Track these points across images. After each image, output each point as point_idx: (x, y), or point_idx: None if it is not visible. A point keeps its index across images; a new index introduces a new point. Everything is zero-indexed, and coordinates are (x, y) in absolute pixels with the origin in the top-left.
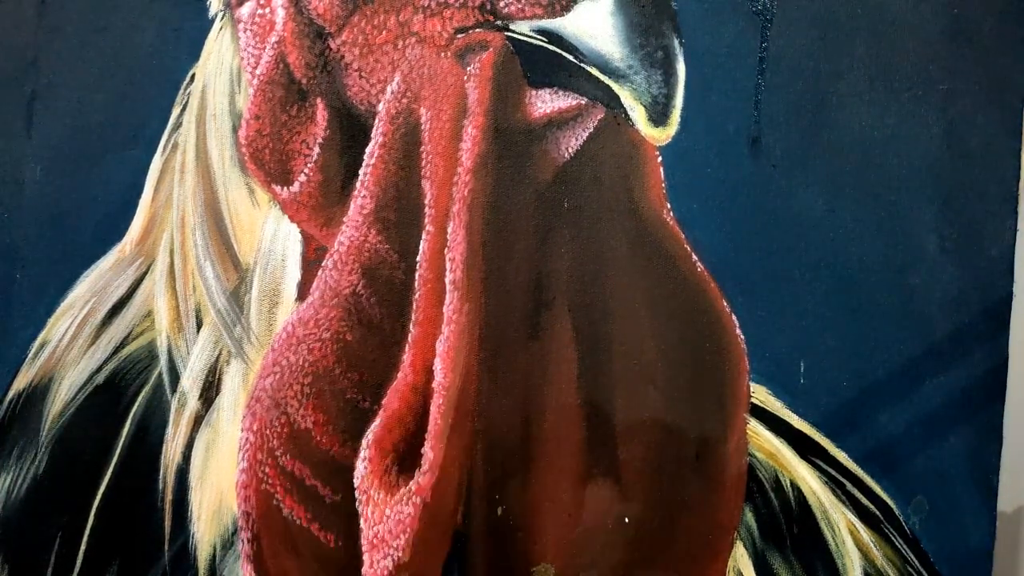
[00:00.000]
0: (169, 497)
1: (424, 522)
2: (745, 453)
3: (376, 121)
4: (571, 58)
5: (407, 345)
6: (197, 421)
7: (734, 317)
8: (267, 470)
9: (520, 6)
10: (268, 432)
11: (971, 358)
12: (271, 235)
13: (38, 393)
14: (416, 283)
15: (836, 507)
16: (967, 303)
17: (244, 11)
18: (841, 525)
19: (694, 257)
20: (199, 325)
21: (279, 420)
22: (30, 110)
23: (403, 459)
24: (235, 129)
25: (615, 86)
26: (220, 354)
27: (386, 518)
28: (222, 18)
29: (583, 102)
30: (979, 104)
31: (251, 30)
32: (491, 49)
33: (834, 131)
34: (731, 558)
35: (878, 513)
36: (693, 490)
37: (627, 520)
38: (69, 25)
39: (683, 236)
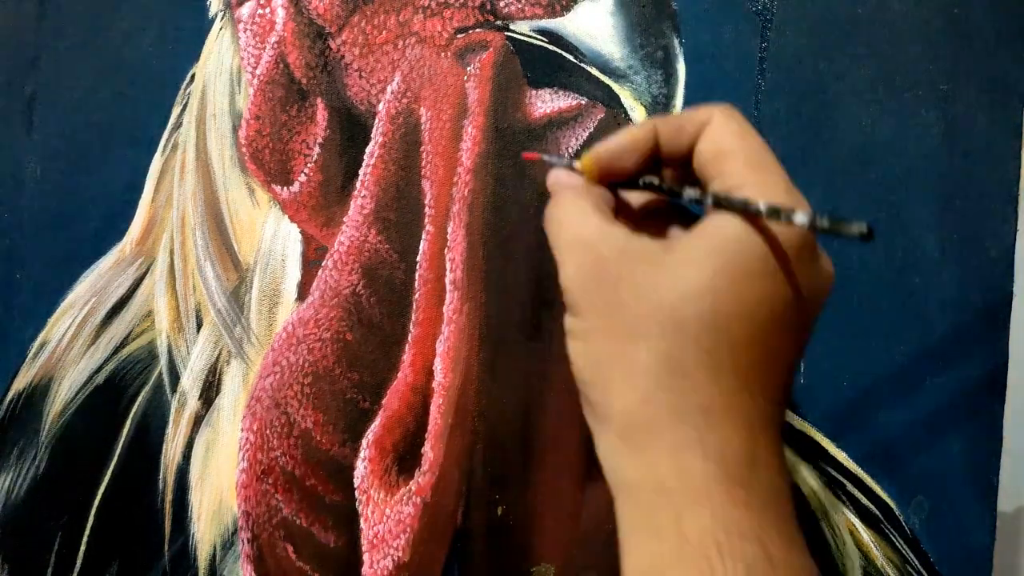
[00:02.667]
0: (169, 497)
1: (424, 522)
2: None
3: (376, 121)
4: (571, 58)
5: (407, 345)
6: (197, 421)
7: None
8: (267, 470)
9: (520, 6)
10: (268, 432)
11: (971, 358)
12: (271, 235)
13: (38, 393)
14: (416, 283)
15: (836, 507)
16: (967, 303)
17: (244, 11)
18: (841, 525)
19: None
20: (199, 325)
21: (279, 420)
22: (30, 110)
23: (403, 459)
24: (235, 129)
25: (615, 86)
26: (220, 354)
27: (386, 518)
28: (222, 18)
29: (583, 102)
30: (979, 104)
31: (251, 30)
32: (491, 49)
33: (834, 131)
34: None
35: (878, 513)
36: None
37: None
38: (69, 25)
39: None
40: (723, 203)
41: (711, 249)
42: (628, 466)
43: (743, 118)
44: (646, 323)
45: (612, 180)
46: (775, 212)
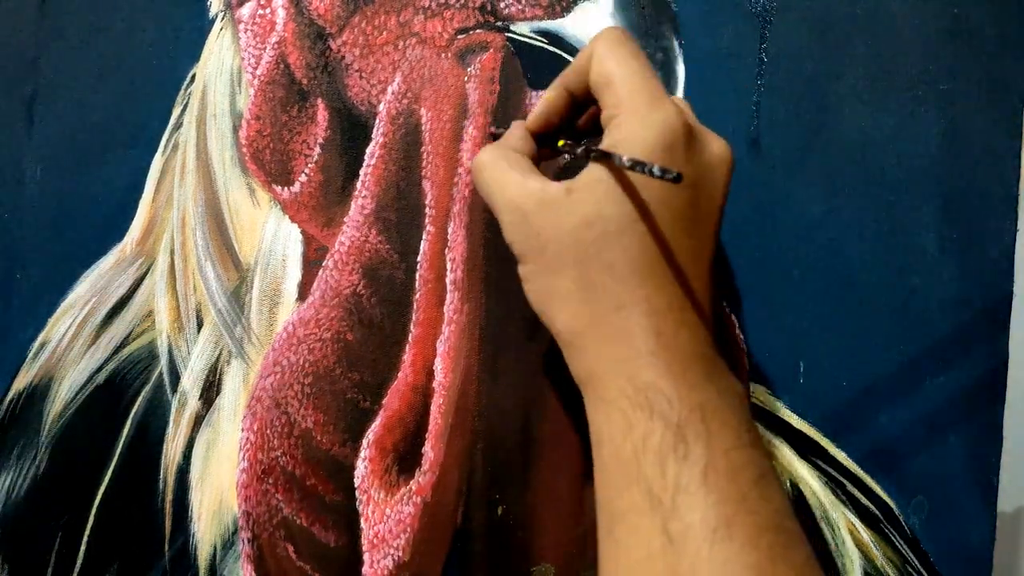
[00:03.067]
0: (169, 497)
1: (424, 522)
2: None
3: (376, 121)
4: (571, 59)
5: (407, 345)
6: (197, 421)
7: (734, 317)
8: (267, 470)
9: (520, 7)
10: (268, 432)
11: (971, 358)
12: (272, 235)
13: (38, 393)
14: (416, 283)
15: (836, 507)
16: (967, 303)
17: (245, 11)
18: (841, 525)
19: None
20: (199, 325)
21: (280, 420)
22: (30, 110)
23: (403, 459)
24: (236, 129)
25: None
26: (221, 354)
27: (386, 518)
28: (222, 18)
29: None
30: (979, 104)
31: (252, 30)
32: (491, 50)
33: (834, 131)
34: None
35: (878, 513)
36: None
37: None
38: (69, 25)
39: None
40: (593, 156)
41: (594, 182)
42: (576, 366)
43: (620, 40)
44: (562, 257)
45: (548, 134)
46: (604, 154)
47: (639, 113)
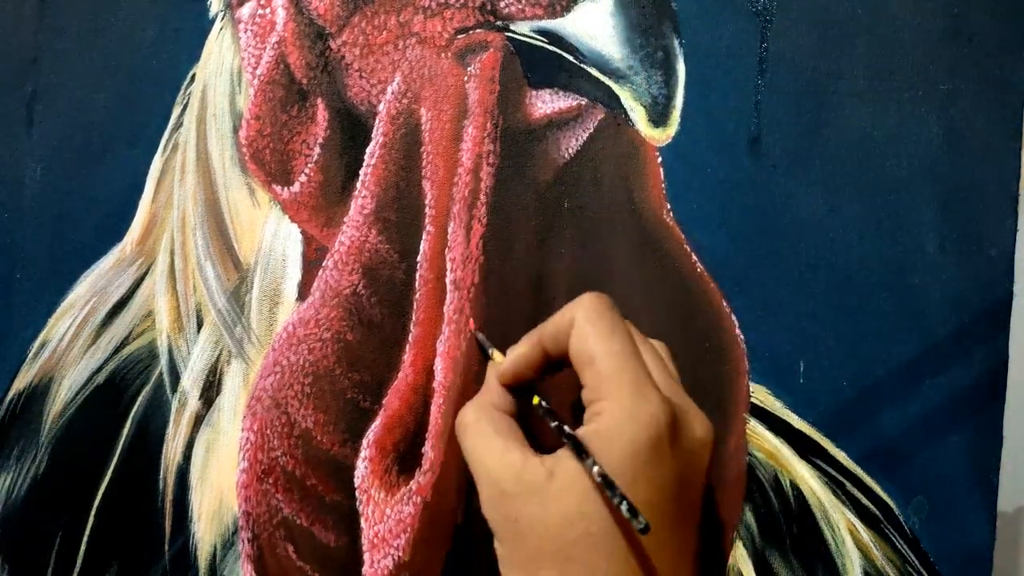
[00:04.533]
0: (169, 497)
1: (424, 521)
2: (745, 453)
3: (376, 121)
4: (571, 59)
5: (407, 345)
6: (197, 421)
7: (734, 317)
8: (267, 470)
9: (520, 7)
10: (269, 432)
11: (971, 358)
12: (272, 235)
13: (38, 393)
14: (416, 283)
15: (836, 507)
16: (967, 303)
17: (245, 11)
18: (841, 525)
19: (694, 257)
20: (199, 325)
21: (280, 420)
22: (30, 110)
23: (403, 459)
24: (236, 129)
25: (615, 87)
26: (221, 354)
27: (386, 517)
28: (222, 18)
29: (583, 102)
30: (979, 104)
31: (251, 30)
32: (491, 49)
33: (834, 131)
34: (731, 557)
35: (878, 513)
36: None
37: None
38: (69, 25)
39: (683, 236)
40: (568, 443)
41: (576, 474)
42: None
43: (601, 313)
44: (543, 551)
45: (522, 384)
46: (579, 452)
47: (624, 404)
